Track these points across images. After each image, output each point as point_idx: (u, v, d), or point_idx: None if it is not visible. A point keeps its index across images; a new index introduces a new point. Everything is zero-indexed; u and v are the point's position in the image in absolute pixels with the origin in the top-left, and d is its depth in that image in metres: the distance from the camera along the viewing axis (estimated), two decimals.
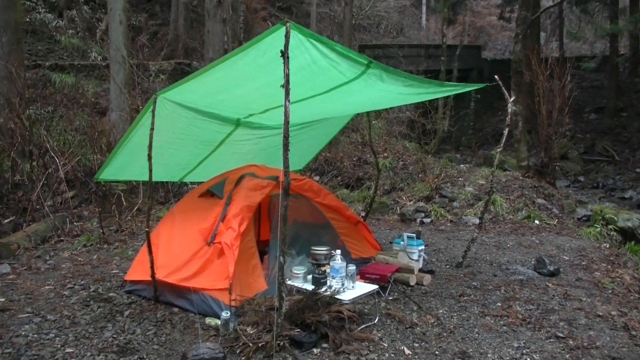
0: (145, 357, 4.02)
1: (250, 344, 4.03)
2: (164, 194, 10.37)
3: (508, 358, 4.04)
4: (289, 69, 3.57)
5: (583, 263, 6.67)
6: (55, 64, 14.21)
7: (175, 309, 4.96)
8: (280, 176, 5.47)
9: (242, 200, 5.08)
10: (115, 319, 4.77)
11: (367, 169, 12.12)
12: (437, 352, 4.11)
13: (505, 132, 6.03)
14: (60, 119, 11.36)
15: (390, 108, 14.18)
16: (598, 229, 8.45)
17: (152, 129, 4.49)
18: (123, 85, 10.70)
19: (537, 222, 9.05)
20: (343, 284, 4.53)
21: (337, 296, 4.40)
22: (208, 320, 4.59)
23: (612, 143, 20.12)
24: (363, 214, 8.98)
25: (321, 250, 4.77)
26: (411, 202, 10.20)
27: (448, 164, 12.48)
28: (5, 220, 8.28)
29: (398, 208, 10.10)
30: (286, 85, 3.55)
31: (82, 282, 5.84)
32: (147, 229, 4.83)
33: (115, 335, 4.39)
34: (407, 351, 4.11)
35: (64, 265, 6.57)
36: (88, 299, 5.26)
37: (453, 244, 7.58)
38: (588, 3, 22.55)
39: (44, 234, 7.88)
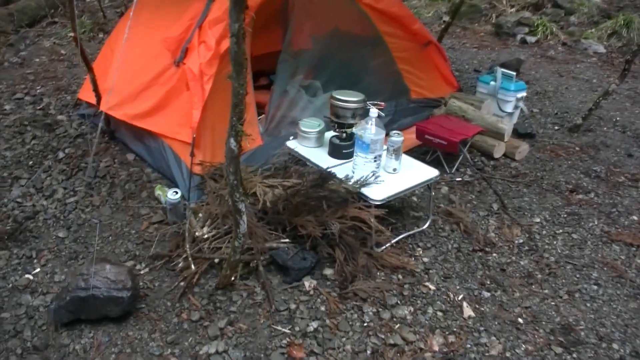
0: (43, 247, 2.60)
1: (201, 258, 2.38)
2: None
3: None
4: None
5: None
6: None
7: (131, 156, 3.35)
8: None
9: None
10: (44, 161, 3.27)
11: None
12: (519, 321, 2.29)
13: None
14: None
15: None
16: None
17: None
18: None
19: None
20: (375, 172, 2.59)
21: (362, 190, 2.52)
22: (158, 192, 2.91)
23: None
24: (446, 19, 6.54)
25: (346, 100, 2.76)
26: (513, 10, 7.58)
27: None
28: None
29: (494, 15, 7.53)
30: None
31: (39, 89, 4.45)
32: (72, 34, 2.95)
33: (20, 199, 2.87)
34: (466, 310, 2.33)
35: (36, 60, 5.21)
36: (26, 122, 3.79)
37: (566, 85, 5.21)
38: None
39: (35, 12, 6.29)
